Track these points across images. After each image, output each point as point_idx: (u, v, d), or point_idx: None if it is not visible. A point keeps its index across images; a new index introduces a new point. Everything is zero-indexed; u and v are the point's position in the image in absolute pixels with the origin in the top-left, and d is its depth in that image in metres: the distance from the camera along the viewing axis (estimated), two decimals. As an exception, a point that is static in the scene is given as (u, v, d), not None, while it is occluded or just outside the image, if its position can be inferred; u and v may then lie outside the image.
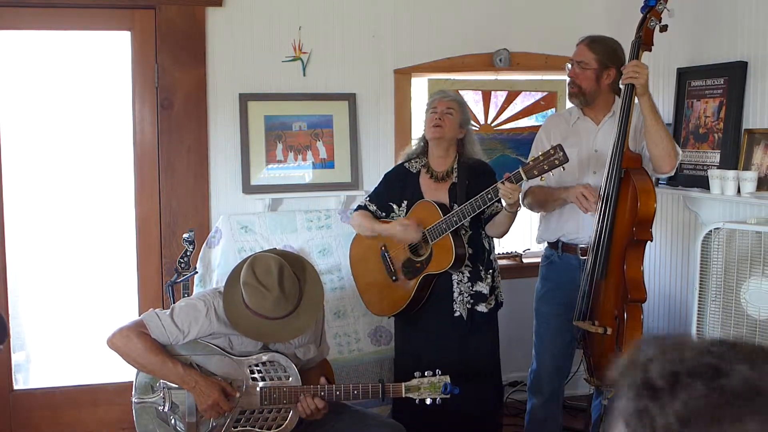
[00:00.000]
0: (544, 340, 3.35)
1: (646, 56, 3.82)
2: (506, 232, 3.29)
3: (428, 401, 2.71)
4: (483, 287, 3.28)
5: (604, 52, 3.17)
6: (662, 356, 0.74)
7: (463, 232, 3.22)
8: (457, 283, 3.25)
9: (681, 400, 0.70)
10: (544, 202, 3.27)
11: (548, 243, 3.39)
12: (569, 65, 3.22)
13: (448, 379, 2.70)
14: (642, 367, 0.75)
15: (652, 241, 3.01)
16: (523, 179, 2.94)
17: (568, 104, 3.51)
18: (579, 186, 3.05)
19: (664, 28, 2.99)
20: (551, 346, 3.32)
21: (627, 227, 2.95)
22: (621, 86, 3.03)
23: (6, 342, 2.64)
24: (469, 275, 3.26)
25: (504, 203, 3.06)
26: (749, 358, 0.74)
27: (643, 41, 2.99)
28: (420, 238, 3.20)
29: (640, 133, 3.09)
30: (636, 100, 2.97)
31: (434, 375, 2.72)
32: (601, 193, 2.99)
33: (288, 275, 2.59)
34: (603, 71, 3.16)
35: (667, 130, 3.02)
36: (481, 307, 3.28)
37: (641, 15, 3.03)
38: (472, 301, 3.27)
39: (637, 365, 0.76)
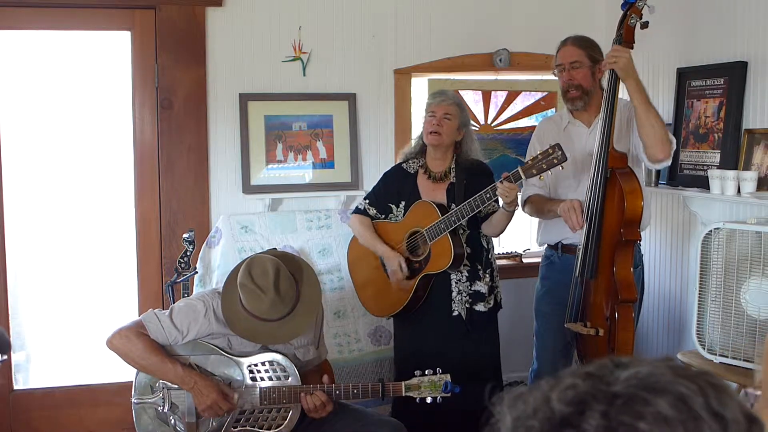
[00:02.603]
0: (545, 339, 3.35)
1: (644, 56, 3.84)
2: (502, 231, 3.28)
3: (428, 400, 2.72)
4: (481, 287, 3.28)
5: (590, 47, 3.17)
6: (554, 392, 0.74)
7: (462, 231, 3.22)
8: (456, 283, 3.25)
9: (596, 416, 0.70)
10: (541, 212, 3.28)
11: (548, 244, 3.39)
12: (556, 72, 3.20)
13: (448, 377, 2.70)
14: (540, 408, 0.73)
15: (640, 240, 3.01)
16: (521, 178, 2.93)
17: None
18: (567, 201, 3.03)
19: (645, 25, 2.97)
20: (552, 346, 3.32)
21: (615, 228, 2.93)
22: (603, 70, 3.00)
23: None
24: (467, 275, 3.26)
25: (502, 202, 3.06)
26: (620, 364, 0.75)
27: (624, 39, 2.96)
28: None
29: (627, 130, 3.08)
30: (621, 94, 2.96)
31: (435, 374, 2.72)
32: (587, 194, 2.98)
33: (284, 277, 2.59)
34: (595, 66, 3.15)
35: (658, 115, 2.96)
36: (480, 307, 3.28)
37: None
38: (470, 300, 3.27)
39: (530, 412, 0.73)
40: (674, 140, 3.09)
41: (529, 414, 0.73)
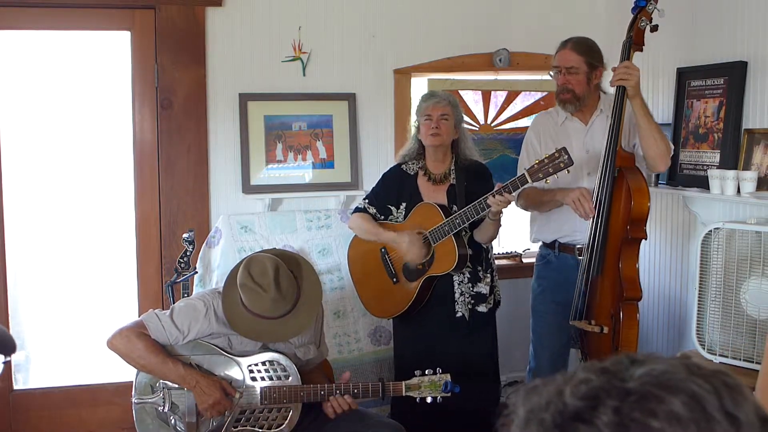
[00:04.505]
0: (542, 339, 3.36)
1: (644, 56, 3.83)
2: (492, 239, 3.27)
3: (429, 400, 2.72)
4: (483, 287, 3.28)
5: (589, 53, 3.17)
6: (567, 386, 0.73)
7: (464, 233, 3.22)
8: (458, 284, 3.25)
9: (608, 412, 0.69)
10: (538, 203, 3.26)
11: (543, 243, 3.38)
12: (553, 73, 3.21)
13: (448, 377, 2.71)
14: (551, 402, 0.73)
15: (646, 239, 3.02)
16: (528, 182, 2.93)
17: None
18: (576, 190, 3.04)
19: (654, 28, 3.00)
20: (549, 345, 3.32)
21: (621, 226, 2.96)
22: (611, 88, 3.02)
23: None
24: (469, 276, 3.26)
25: (494, 209, 3.03)
26: (635, 360, 0.75)
27: (634, 41, 2.99)
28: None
29: (633, 129, 3.10)
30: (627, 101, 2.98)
31: (435, 373, 2.72)
32: (595, 192, 3.00)
33: (284, 274, 2.59)
34: (592, 72, 3.17)
35: (660, 130, 3.02)
36: (482, 308, 3.28)
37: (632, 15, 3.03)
38: (473, 302, 3.26)
39: (542, 406, 0.73)
40: (672, 147, 3.14)
41: (542, 407, 0.73)
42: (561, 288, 3.21)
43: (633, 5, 3.00)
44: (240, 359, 2.69)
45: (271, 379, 2.69)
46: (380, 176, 3.50)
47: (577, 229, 3.19)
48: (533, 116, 4.36)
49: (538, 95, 4.40)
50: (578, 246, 3.19)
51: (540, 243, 3.41)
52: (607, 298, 2.99)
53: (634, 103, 2.96)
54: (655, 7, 2.96)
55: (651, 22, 2.98)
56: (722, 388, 0.71)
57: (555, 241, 3.30)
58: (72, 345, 4.00)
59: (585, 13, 4.26)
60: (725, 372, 0.75)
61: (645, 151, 3.04)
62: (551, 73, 3.23)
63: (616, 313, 2.95)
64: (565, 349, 3.31)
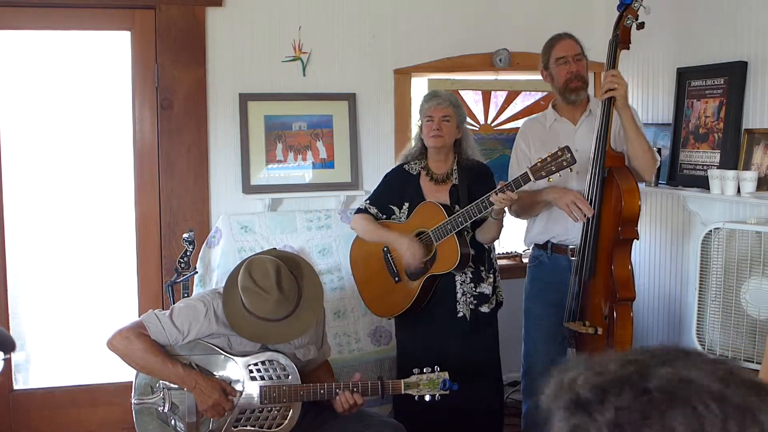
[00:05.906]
0: (537, 341, 3.35)
1: (643, 56, 3.84)
2: (494, 239, 3.27)
3: (427, 398, 2.73)
4: (485, 288, 3.28)
5: (580, 43, 3.22)
6: (587, 372, 0.76)
7: (466, 232, 3.21)
8: (460, 284, 3.24)
9: (611, 409, 0.71)
10: (529, 206, 3.24)
11: (536, 244, 3.37)
12: (556, 64, 3.19)
13: (446, 375, 2.72)
14: (569, 387, 0.76)
15: (638, 239, 3.02)
16: (531, 180, 2.92)
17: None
18: (569, 194, 3.02)
19: (641, 26, 3.00)
20: (545, 347, 3.31)
21: (612, 227, 2.95)
22: (601, 99, 3.01)
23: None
24: (471, 276, 3.25)
25: (496, 207, 3.03)
26: (667, 359, 0.75)
27: (621, 39, 3.00)
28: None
29: (620, 136, 3.10)
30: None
31: (433, 371, 2.73)
32: (585, 194, 2.99)
33: (285, 275, 2.59)
34: (587, 61, 3.22)
35: (648, 142, 3.06)
36: (484, 308, 3.28)
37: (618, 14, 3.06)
38: (475, 302, 3.26)
39: (565, 386, 0.77)
40: (659, 159, 3.17)
41: (556, 393, 0.77)
42: (554, 290, 3.20)
43: (618, 3, 3.00)
44: (239, 359, 2.69)
45: (270, 378, 2.69)
46: (382, 176, 3.50)
47: (569, 229, 3.18)
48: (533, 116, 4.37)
49: (538, 95, 4.40)
50: (571, 246, 3.19)
51: (532, 245, 3.41)
52: (600, 299, 2.99)
53: (623, 115, 2.96)
54: (641, 5, 2.95)
55: (637, 19, 2.97)
56: (731, 411, 0.70)
57: (548, 241, 3.29)
58: (72, 345, 4.00)
59: (585, 13, 4.27)
60: (754, 388, 0.72)
61: (632, 162, 3.05)
62: (551, 66, 3.20)
63: (610, 313, 2.94)
64: (560, 350, 3.30)
